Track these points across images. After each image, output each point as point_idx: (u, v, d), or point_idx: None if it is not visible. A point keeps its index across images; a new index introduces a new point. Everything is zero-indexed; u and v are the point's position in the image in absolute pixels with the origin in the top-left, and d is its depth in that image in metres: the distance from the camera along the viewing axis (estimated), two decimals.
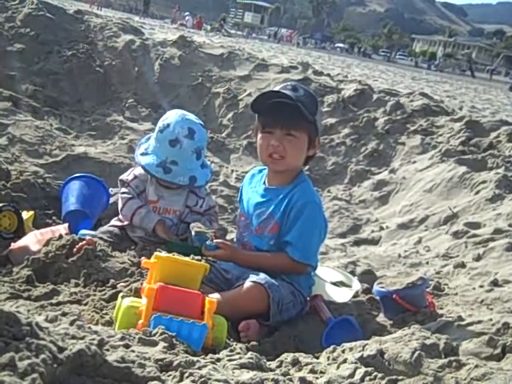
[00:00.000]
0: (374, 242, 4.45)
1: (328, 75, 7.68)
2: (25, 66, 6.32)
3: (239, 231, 2.98)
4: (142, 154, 3.04)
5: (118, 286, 2.43)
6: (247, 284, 2.52)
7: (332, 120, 6.29)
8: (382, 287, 2.77)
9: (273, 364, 1.85)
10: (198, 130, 3.01)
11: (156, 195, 3.05)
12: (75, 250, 2.61)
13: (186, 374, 1.52)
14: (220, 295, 2.45)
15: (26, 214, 3.29)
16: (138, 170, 3.15)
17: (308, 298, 2.83)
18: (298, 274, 2.75)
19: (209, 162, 3.27)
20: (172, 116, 3.03)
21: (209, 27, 48.65)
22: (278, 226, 2.75)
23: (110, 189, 3.66)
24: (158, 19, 44.32)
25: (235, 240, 3.04)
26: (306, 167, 5.63)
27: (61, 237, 2.75)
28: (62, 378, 1.25)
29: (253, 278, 2.55)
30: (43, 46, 6.64)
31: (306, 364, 1.81)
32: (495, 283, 3.03)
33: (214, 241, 2.72)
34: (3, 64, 6.21)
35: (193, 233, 2.80)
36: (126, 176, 3.18)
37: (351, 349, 1.93)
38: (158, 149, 3.00)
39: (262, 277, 2.56)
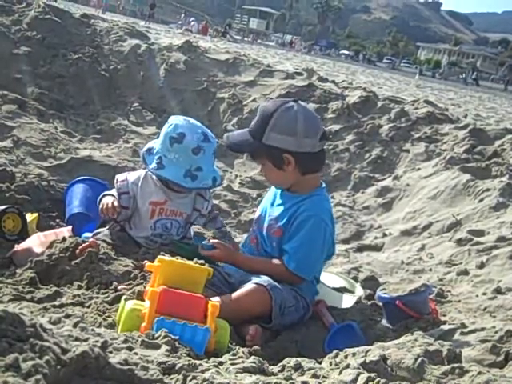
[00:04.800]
0: (377, 248, 4.44)
1: (333, 82, 7.69)
2: (31, 69, 6.33)
3: (252, 225, 3.05)
4: (159, 169, 2.97)
5: (118, 288, 2.44)
6: (250, 286, 2.53)
7: (336, 126, 6.29)
8: (385, 293, 2.77)
9: (275, 368, 1.85)
10: (207, 131, 3.03)
11: (163, 197, 3.04)
12: (78, 251, 2.62)
13: (189, 378, 1.52)
14: (222, 297, 2.46)
15: (29, 217, 3.30)
16: (132, 176, 3.15)
17: (311, 305, 2.84)
18: (291, 284, 2.73)
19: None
20: (180, 124, 2.97)
21: (214, 32, 48.73)
22: (281, 232, 2.77)
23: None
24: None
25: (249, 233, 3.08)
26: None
27: (64, 239, 2.75)
28: (65, 379, 1.25)
29: (255, 280, 2.56)
30: (49, 49, 6.66)
31: (309, 369, 1.81)
32: (498, 291, 3.02)
33: (211, 241, 2.75)
34: (9, 67, 6.23)
35: (191, 233, 2.82)
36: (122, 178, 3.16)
37: (354, 354, 1.92)
38: (177, 160, 2.94)
39: (264, 279, 2.57)
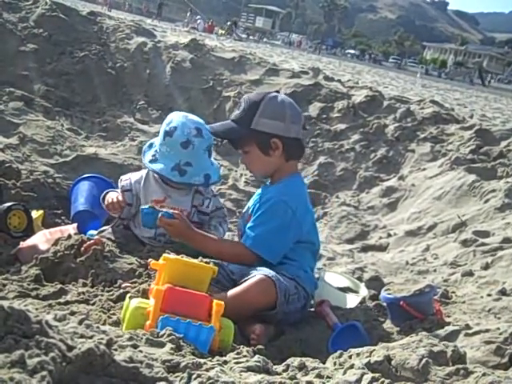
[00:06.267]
0: (382, 248, 4.44)
1: (339, 81, 7.68)
2: (37, 66, 6.34)
3: (239, 219, 3.21)
4: (152, 161, 3.03)
5: (123, 285, 2.44)
6: (254, 278, 2.54)
7: (342, 126, 6.29)
8: (390, 294, 2.76)
9: (279, 368, 1.85)
10: (203, 127, 3.04)
11: (163, 195, 3.05)
12: (83, 249, 2.63)
13: (194, 376, 1.52)
14: (227, 292, 2.48)
15: (35, 214, 3.31)
16: (135, 176, 3.17)
17: (314, 301, 2.85)
18: (246, 264, 2.76)
19: (218, 165, 3.28)
20: (175, 119, 3.04)
21: (220, 31, 48.55)
22: (251, 218, 2.86)
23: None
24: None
25: None
26: (313, 171, 5.69)
27: (69, 237, 2.76)
28: (70, 376, 1.25)
29: (257, 272, 2.57)
30: (56, 46, 6.66)
31: (313, 368, 1.81)
32: (503, 292, 3.02)
33: (171, 211, 2.76)
34: (16, 64, 6.24)
35: (146, 206, 2.81)
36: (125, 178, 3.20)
37: (358, 354, 1.93)
38: (169, 153, 3.00)
39: (265, 270, 2.59)
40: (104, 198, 3.13)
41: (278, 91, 3.00)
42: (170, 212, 2.73)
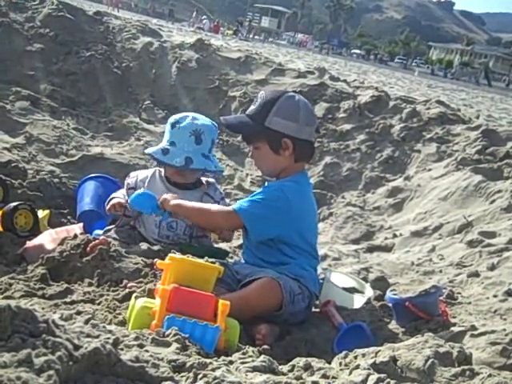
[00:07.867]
0: (388, 248, 4.43)
1: (344, 81, 7.67)
2: (43, 66, 6.37)
3: None
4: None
5: (128, 285, 2.44)
6: (259, 280, 2.54)
7: (348, 126, 6.28)
8: (395, 294, 2.76)
9: (285, 368, 1.84)
10: (202, 119, 3.08)
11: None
12: (89, 248, 2.63)
13: (200, 376, 1.52)
14: (233, 294, 2.48)
15: (41, 213, 3.32)
16: (142, 174, 3.21)
17: (319, 302, 2.85)
18: (225, 228, 2.93)
19: (224, 166, 3.29)
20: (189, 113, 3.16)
21: (227, 31, 48.47)
22: None
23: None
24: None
25: None
26: (319, 171, 5.69)
27: (75, 236, 2.77)
28: (77, 375, 1.26)
29: (262, 274, 2.57)
30: (62, 46, 6.69)
31: (319, 369, 1.81)
32: (509, 293, 3.00)
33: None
34: (22, 63, 6.26)
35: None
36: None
37: (364, 355, 1.92)
38: (164, 136, 3.12)
39: (271, 272, 2.60)
40: (108, 203, 3.17)
41: (295, 91, 3.01)
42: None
